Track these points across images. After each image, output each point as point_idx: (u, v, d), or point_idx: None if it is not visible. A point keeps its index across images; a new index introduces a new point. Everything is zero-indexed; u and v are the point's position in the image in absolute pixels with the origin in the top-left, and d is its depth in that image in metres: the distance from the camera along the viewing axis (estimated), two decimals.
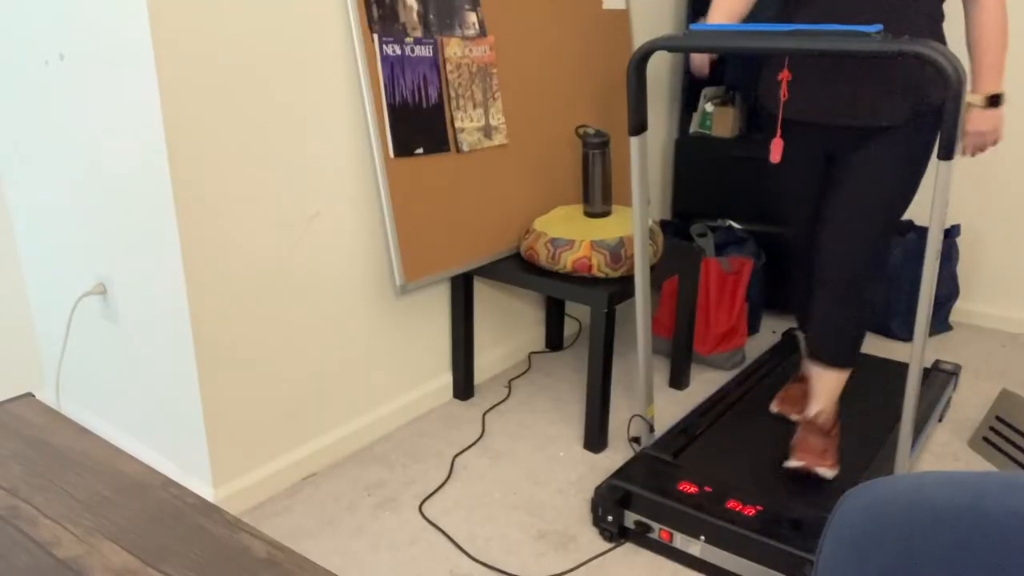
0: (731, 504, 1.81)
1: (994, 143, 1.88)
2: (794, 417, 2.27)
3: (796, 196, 2.11)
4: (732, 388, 2.47)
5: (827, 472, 1.97)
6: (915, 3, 1.80)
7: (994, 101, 1.82)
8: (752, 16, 2.04)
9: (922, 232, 3.02)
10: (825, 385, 2.05)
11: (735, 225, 3.15)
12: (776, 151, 1.89)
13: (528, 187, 2.52)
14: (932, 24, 1.82)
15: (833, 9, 1.84)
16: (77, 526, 0.84)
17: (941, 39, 1.86)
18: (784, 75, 1.94)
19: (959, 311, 3.27)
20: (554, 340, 2.96)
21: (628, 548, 1.90)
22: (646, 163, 1.91)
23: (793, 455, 1.99)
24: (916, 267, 2.99)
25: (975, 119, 1.85)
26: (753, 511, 1.79)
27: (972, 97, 1.83)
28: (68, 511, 0.87)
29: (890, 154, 1.88)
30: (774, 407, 2.33)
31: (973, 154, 1.91)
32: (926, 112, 1.83)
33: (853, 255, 1.93)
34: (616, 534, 1.90)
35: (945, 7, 1.86)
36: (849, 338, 2.00)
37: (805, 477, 2.00)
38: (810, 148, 2.02)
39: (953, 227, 3.09)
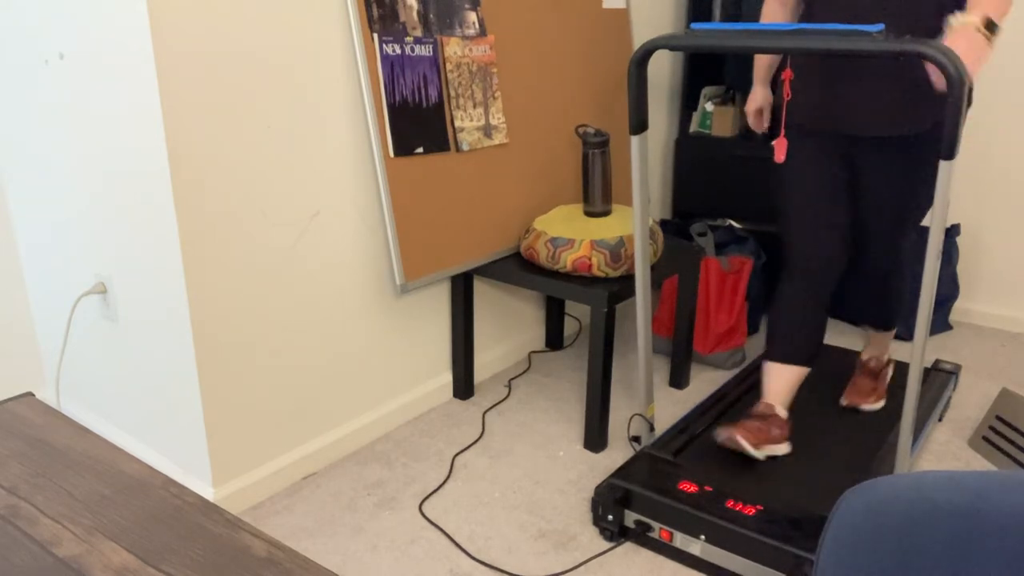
0: (731, 504, 1.81)
1: (970, 85, 1.50)
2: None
3: (807, 199, 2.09)
4: (732, 387, 2.47)
5: (870, 406, 2.33)
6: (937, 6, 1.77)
7: (989, 27, 1.56)
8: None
9: (922, 232, 3.02)
10: (877, 339, 2.39)
11: (735, 224, 3.15)
12: (780, 150, 1.89)
13: (528, 186, 2.52)
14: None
15: (852, 13, 1.84)
16: (77, 525, 0.84)
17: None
18: (787, 74, 1.94)
19: (959, 311, 3.27)
20: (554, 339, 2.96)
21: (628, 547, 1.90)
22: (646, 162, 1.91)
23: (844, 395, 2.38)
24: (916, 267, 2.99)
25: (957, 36, 1.54)
26: (753, 511, 1.79)
27: (961, 17, 1.57)
28: (68, 510, 0.87)
29: (916, 159, 1.91)
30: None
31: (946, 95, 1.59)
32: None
33: (889, 255, 2.11)
34: (616, 533, 1.90)
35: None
36: (895, 305, 2.28)
37: (804, 476, 2.00)
38: (829, 154, 2.01)
39: (953, 227, 3.09)
